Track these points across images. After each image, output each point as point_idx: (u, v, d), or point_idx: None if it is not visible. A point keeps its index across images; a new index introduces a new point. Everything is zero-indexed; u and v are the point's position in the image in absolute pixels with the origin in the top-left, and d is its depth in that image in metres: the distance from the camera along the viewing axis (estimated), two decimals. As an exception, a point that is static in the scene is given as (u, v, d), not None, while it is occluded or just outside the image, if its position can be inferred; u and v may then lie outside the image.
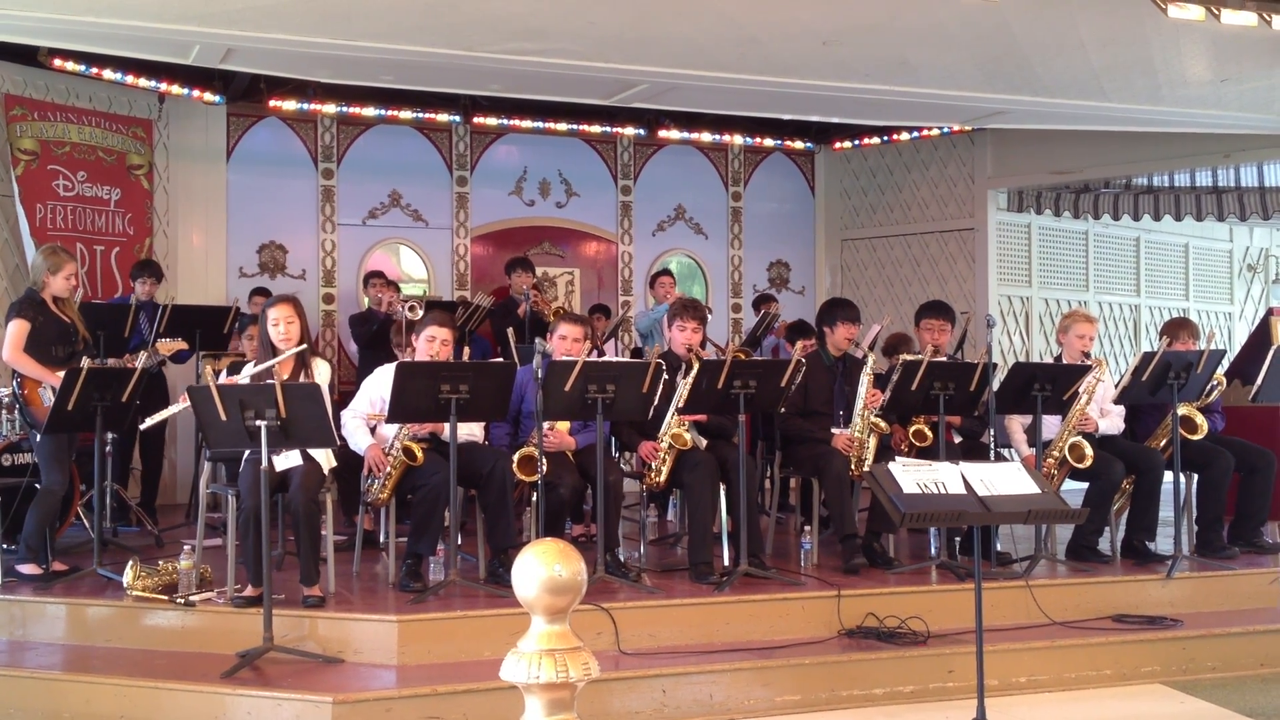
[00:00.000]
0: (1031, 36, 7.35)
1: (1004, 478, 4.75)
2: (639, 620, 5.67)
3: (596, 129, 11.41)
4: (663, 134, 11.49)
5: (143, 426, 6.39)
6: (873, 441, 6.75)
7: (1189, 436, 6.94)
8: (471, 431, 6.38)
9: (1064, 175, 11.08)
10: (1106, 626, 6.13)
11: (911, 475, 4.69)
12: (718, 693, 5.30)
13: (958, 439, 7.28)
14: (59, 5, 6.79)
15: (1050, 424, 6.95)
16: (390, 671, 5.27)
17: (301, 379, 5.85)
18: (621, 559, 6.39)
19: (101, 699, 5.12)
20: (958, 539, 6.94)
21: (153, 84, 9.71)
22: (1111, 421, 7.15)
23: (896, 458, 5.35)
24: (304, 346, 5.89)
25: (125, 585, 5.88)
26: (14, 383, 6.56)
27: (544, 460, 5.96)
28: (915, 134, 11.45)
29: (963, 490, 4.65)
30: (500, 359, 8.14)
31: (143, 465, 8.78)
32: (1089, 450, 6.71)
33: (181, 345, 7.29)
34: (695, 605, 5.87)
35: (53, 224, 9.24)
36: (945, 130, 11.14)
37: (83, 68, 9.29)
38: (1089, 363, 6.97)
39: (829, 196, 12.48)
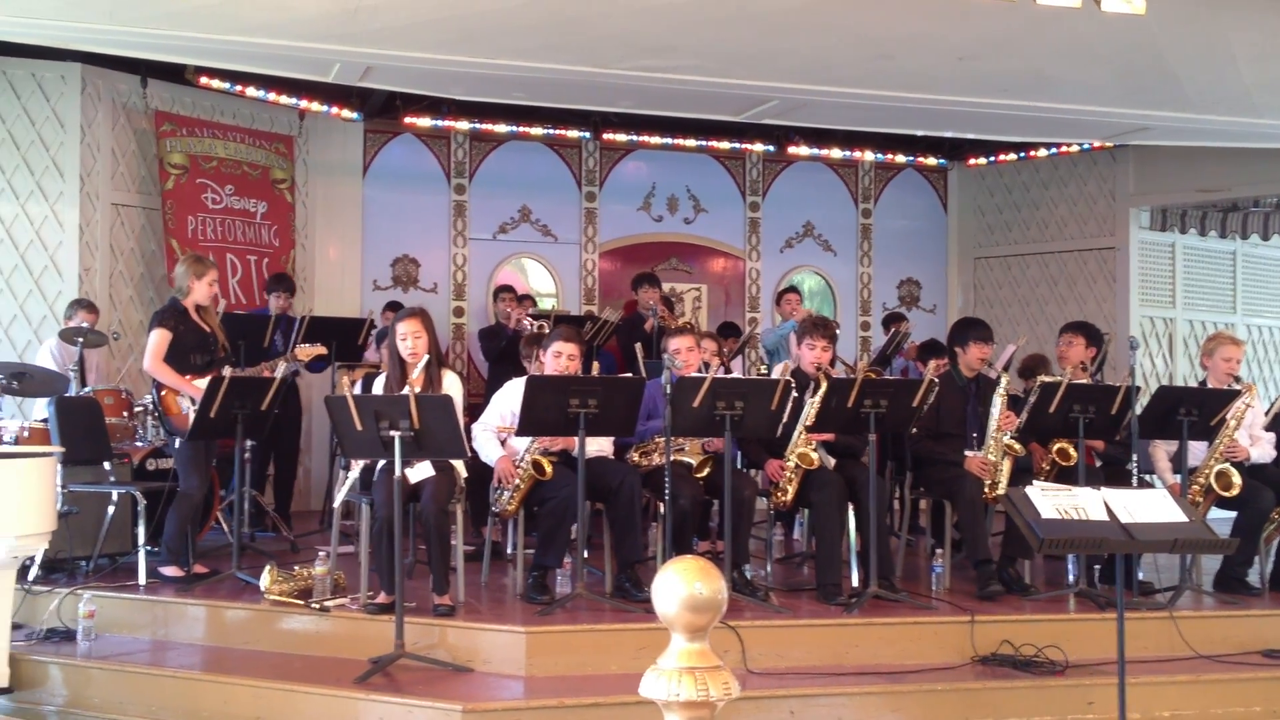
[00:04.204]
0: (1178, 50, 7.13)
1: (1149, 505, 4.60)
2: (766, 639, 5.61)
3: (725, 145, 11.41)
4: (792, 150, 11.43)
5: (335, 504, 6.53)
6: (1006, 464, 6.59)
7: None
8: (600, 446, 6.38)
9: (1211, 193, 10.72)
10: (1256, 661, 5.89)
11: (1051, 500, 4.56)
12: (847, 715, 5.22)
13: (1099, 464, 7.07)
14: (208, 25, 7.00)
15: (1196, 450, 6.71)
16: (518, 682, 5.31)
17: (430, 391, 5.92)
18: (749, 577, 6.33)
19: (239, 699, 5.24)
20: (1097, 566, 6.72)
21: (294, 101, 10.00)
22: (1262, 449, 6.87)
23: (1035, 481, 5.21)
24: (427, 357, 5.95)
25: (263, 589, 6.03)
26: (153, 390, 6.77)
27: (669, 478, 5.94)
28: (1053, 150, 11.20)
29: (1105, 517, 4.51)
30: (626, 374, 8.14)
31: (275, 472, 8.99)
32: (1237, 478, 6.47)
33: (321, 350, 7.43)
34: (824, 626, 5.80)
35: (203, 235, 9.54)
36: (1085, 146, 10.87)
37: (227, 85, 9.60)
38: (1237, 387, 6.71)
39: (962, 214, 12.27)
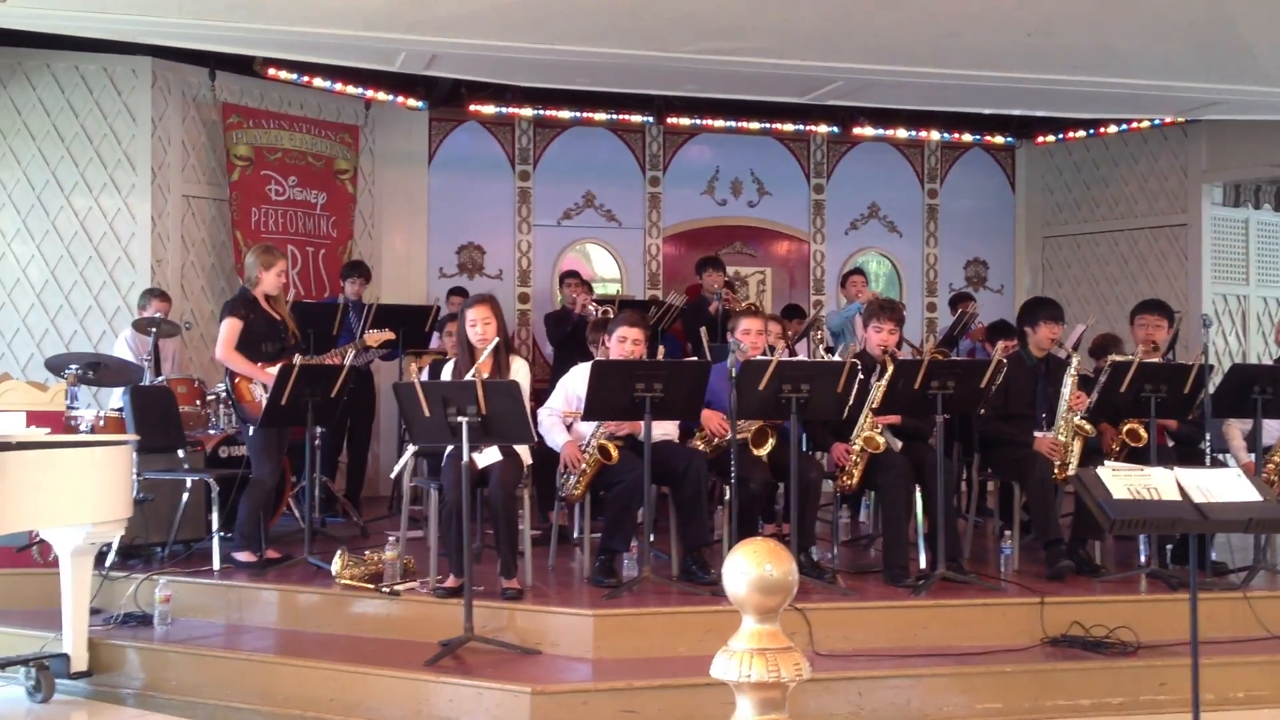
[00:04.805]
0: (1252, 23, 6.97)
1: (1222, 484, 4.53)
2: (833, 621, 5.59)
3: (789, 127, 11.36)
4: (857, 131, 11.35)
5: (392, 475, 6.58)
6: (1077, 445, 6.51)
7: None
8: (666, 430, 6.39)
9: (1285, 169, 10.50)
10: (1333, 643, 5.77)
11: (1122, 480, 4.50)
12: (915, 698, 5.19)
13: (1171, 444, 6.95)
14: (275, 16, 7.09)
15: (1270, 429, 6.59)
16: (586, 665, 5.34)
17: (498, 376, 5.95)
18: (815, 559, 6.32)
19: (313, 682, 5.32)
20: (1169, 547, 6.62)
21: (359, 91, 10.11)
22: (1339, 427, 6.74)
23: (1106, 461, 5.14)
24: (496, 341, 5.98)
25: (334, 574, 6.11)
26: (226, 379, 6.88)
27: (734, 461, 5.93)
28: (1123, 126, 11.04)
29: (1178, 496, 4.45)
30: (692, 358, 8.13)
31: (349, 459, 9.10)
32: (1314, 456, 6.34)
33: (389, 335, 7.52)
34: (891, 608, 5.77)
35: (265, 228, 9.67)
36: (1156, 122, 10.69)
37: (294, 76, 9.75)
38: (1314, 364, 6.58)
39: (1030, 192, 12.11)
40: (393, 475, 6.59)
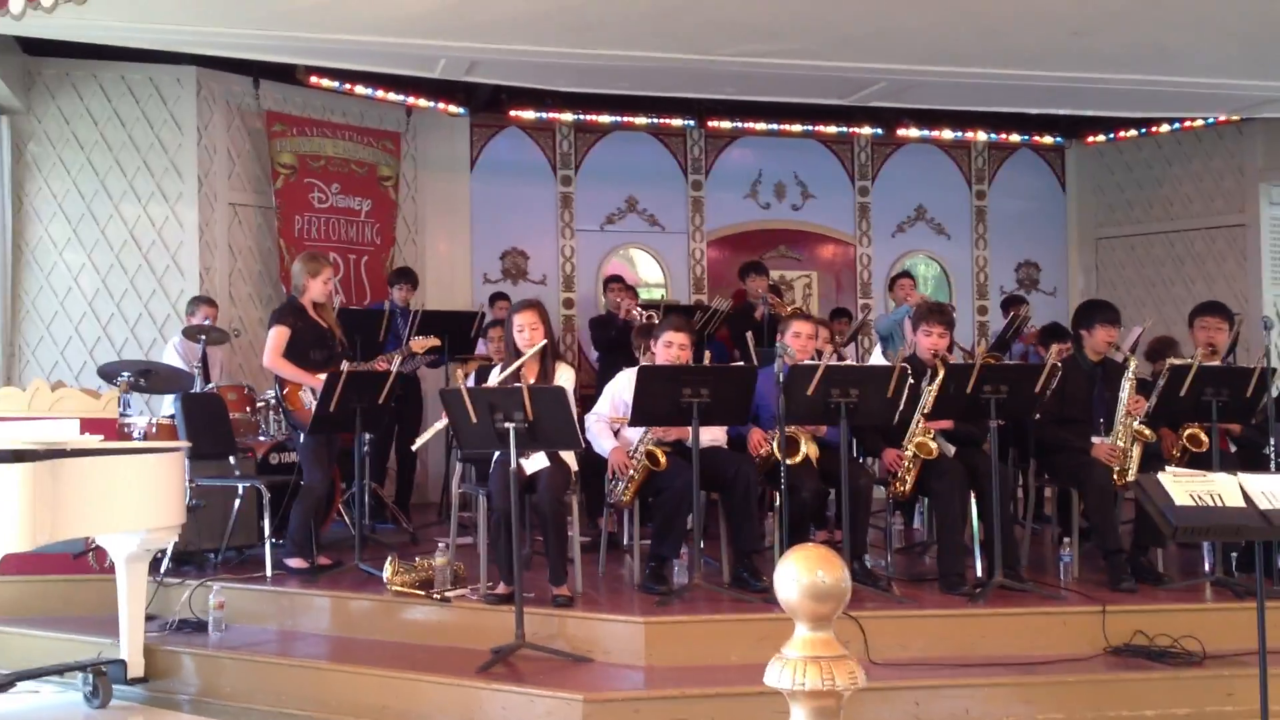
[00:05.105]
0: (1308, 18, 6.85)
1: (1289, 490, 4.41)
2: (889, 630, 5.51)
3: (832, 129, 11.28)
4: (901, 133, 11.27)
5: (414, 447, 6.58)
6: (1136, 450, 6.39)
7: None
8: (714, 436, 6.33)
9: (1345, 166, 10.32)
10: (1405, 652, 5.62)
11: (1184, 486, 4.40)
12: (974, 707, 5.10)
13: (1233, 448, 6.82)
14: (317, 25, 7.11)
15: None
16: (638, 672, 5.29)
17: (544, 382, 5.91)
18: (869, 566, 6.24)
19: (365, 688, 5.31)
20: (1234, 554, 6.48)
21: (401, 98, 10.14)
22: None
23: (1167, 467, 5.03)
24: (544, 343, 5.95)
25: (385, 580, 6.10)
26: (276, 386, 6.89)
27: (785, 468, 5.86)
28: (1176, 125, 10.88)
29: (1242, 503, 4.34)
30: (739, 363, 8.06)
31: (398, 465, 9.11)
32: (1380, 461, 6.19)
33: (434, 341, 7.51)
34: (948, 617, 5.67)
35: (308, 235, 9.71)
36: (1210, 121, 10.52)
37: (337, 84, 9.79)
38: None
39: (1081, 193, 11.95)
40: (414, 448, 6.55)
